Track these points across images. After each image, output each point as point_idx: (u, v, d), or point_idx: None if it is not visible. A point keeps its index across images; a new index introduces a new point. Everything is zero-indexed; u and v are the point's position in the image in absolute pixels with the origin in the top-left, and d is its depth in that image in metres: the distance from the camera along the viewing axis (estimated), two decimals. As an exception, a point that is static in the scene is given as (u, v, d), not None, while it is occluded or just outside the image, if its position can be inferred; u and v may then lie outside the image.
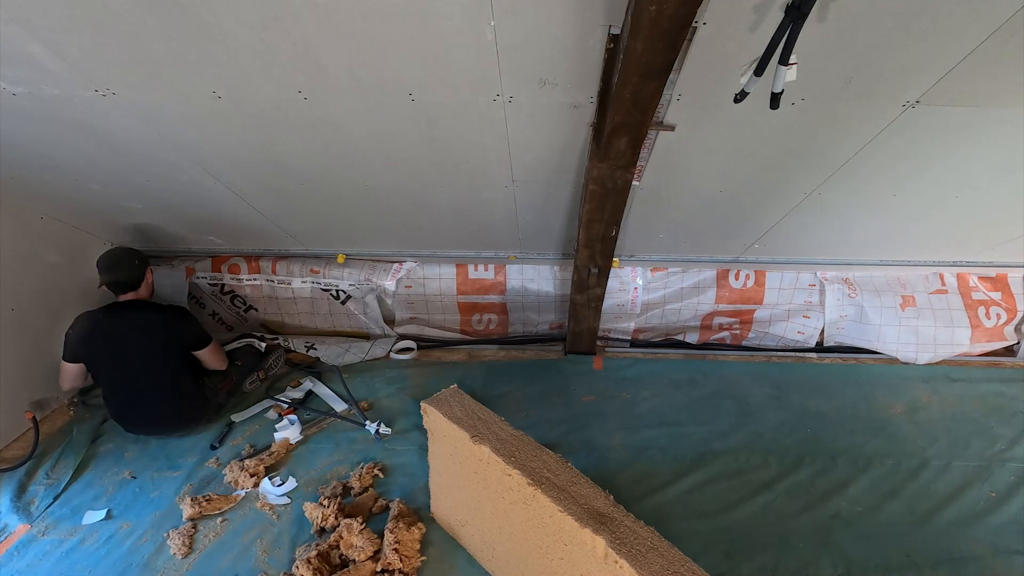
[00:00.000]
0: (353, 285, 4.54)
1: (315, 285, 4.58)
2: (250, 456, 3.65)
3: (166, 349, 3.70)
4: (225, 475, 3.52)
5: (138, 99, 2.65)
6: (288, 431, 3.82)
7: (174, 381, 3.73)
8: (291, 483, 3.45)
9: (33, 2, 2.14)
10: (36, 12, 2.18)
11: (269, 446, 3.73)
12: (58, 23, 2.23)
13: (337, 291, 4.61)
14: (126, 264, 3.70)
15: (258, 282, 4.60)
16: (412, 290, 4.61)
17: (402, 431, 3.86)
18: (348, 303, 4.66)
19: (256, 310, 4.77)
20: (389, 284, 4.50)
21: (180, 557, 3.06)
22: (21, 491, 3.45)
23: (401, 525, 3.04)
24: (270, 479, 3.45)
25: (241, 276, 4.59)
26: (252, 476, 3.48)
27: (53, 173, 3.35)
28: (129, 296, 3.72)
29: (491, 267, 4.52)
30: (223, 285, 4.66)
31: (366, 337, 4.88)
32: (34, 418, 3.78)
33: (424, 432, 2.88)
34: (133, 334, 3.63)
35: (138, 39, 2.30)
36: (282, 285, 4.58)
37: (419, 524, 3.11)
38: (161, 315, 3.72)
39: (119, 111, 2.73)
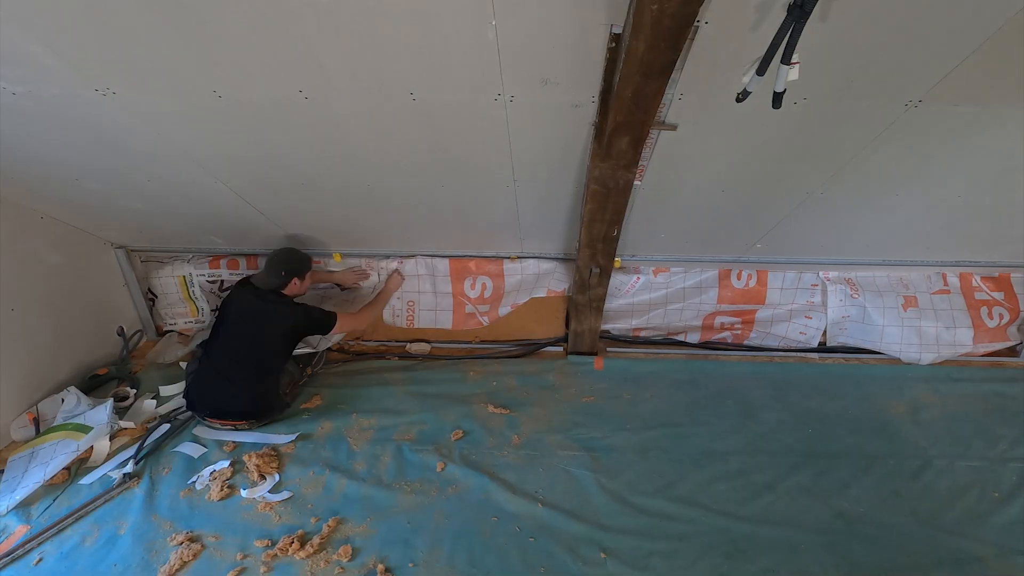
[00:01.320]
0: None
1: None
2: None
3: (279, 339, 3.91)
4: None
5: (138, 98, 2.65)
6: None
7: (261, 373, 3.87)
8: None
9: (33, 1, 2.13)
10: (36, 11, 2.17)
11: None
12: (58, 22, 2.22)
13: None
14: (273, 271, 3.94)
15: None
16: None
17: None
18: (346, 294, 4.68)
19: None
20: (392, 266, 4.53)
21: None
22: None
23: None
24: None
25: (240, 272, 4.60)
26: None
27: (53, 172, 3.34)
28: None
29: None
30: (222, 282, 4.67)
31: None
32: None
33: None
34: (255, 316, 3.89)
35: (138, 38, 2.29)
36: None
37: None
38: (284, 302, 3.94)
39: (119, 110, 2.72)
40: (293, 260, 3.97)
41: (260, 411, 3.87)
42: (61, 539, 3.17)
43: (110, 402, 3.79)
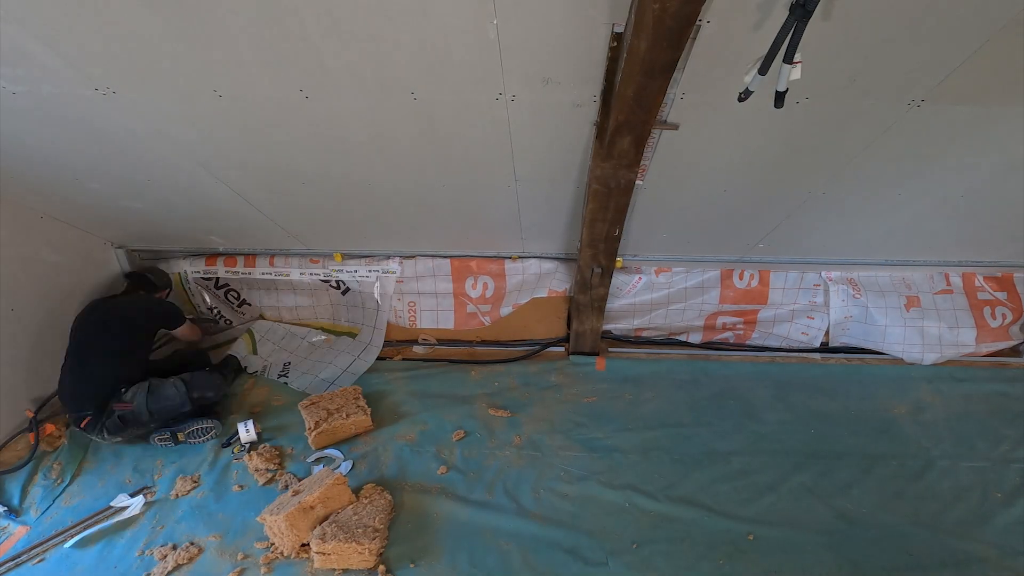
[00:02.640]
0: (352, 273, 4.56)
1: (314, 276, 4.59)
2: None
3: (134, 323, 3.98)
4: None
5: (138, 98, 2.64)
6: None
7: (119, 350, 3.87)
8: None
9: (33, 1, 2.13)
10: (36, 11, 2.17)
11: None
12: (58, 22, 2.22)
13: (338, 281, 4.62)
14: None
15: (254, 275, 4.62)
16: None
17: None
18: (348, 294, 4.68)
19: (250, 304, 4.80)
20: (394, 266, 4.52)
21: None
22: (22, 493, 3.44)
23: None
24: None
25: (237, 269, 4.61)
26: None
27: (53, 172, 3.33)
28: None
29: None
30: (217, 279, 4.68)
31: (352, 335, 4.86)
32: (34, 417, 3.77)
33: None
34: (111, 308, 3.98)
35: (138, 38, 2.29)
36: (281, 277, 4.58)
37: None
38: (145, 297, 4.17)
39: (119, 110, 2.71)
40: (158, 274, 4.33)
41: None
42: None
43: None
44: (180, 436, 3.76)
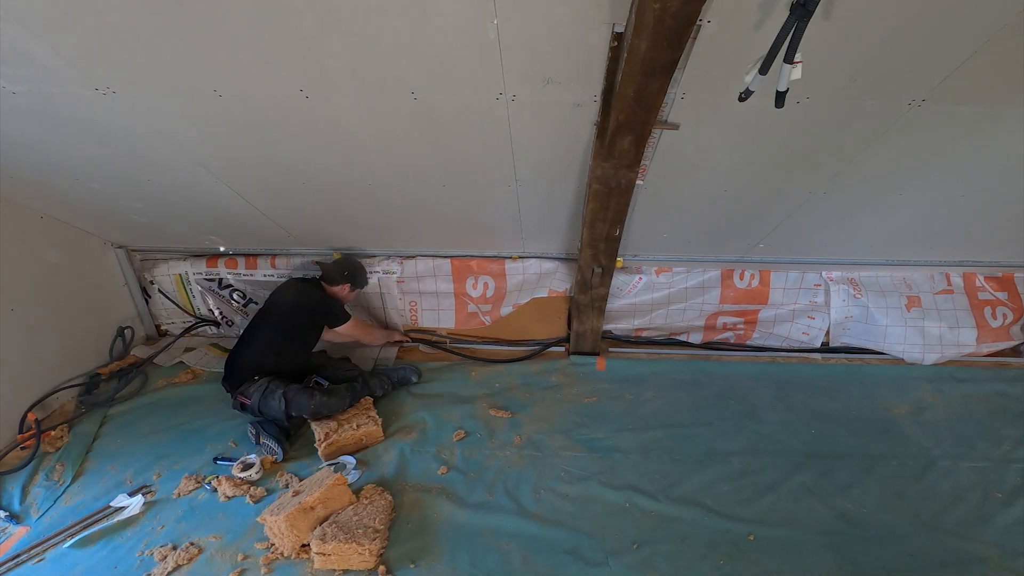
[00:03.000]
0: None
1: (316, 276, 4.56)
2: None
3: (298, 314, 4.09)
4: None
5: (138, 98, 2.64)
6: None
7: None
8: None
9: (33, 1, 2.12)
10: (36, 10, 2.17)
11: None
12: (58, 21, 2.21)
13: None
14: (338, 268, 4.27)
15: (256, 277, 4.61)
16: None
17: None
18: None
19: (256, 304, 4.78)
20: (394, 266, 4.53)
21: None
22: (22, 493, 3.44)
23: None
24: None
25: (238, 271, 4.60)
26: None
27: (53, 172, 3.34)
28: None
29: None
30: (221, 279, 4.67)
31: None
32: (36, 420, 3.78)
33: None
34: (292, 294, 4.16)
35: (138, 37, 2.28)
36: (283, 279, 4.56)
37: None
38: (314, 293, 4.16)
39: (119, 110, 2.71)
40: (358, 270, 4.33)
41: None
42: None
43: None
44: (260, 439, 3.77)
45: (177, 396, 4.26)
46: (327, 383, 3.97)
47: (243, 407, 3.82)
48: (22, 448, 3.73)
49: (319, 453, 3.61)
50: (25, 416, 3.82)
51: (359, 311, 4.75)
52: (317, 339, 4.16)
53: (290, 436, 3.86)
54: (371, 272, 4.46)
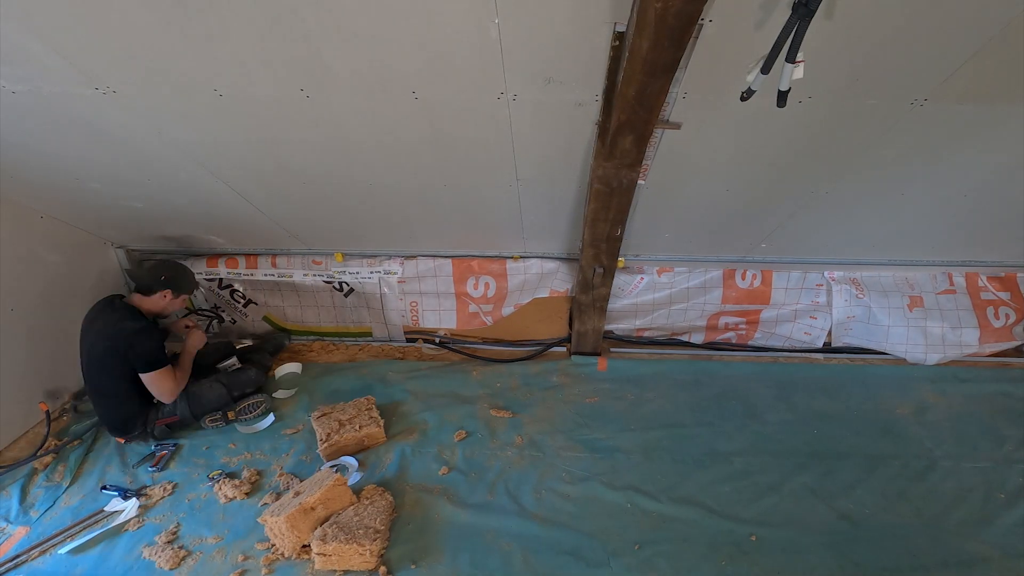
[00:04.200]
0: (354, 275, 4.55)
1: (317, 278, 4.58)
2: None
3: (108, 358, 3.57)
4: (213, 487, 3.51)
5: (138, 97, 2.63)
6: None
7: (114, 390, 3.65)
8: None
9: (33, 0, 2.12)
10: (36, 9, 2.16)
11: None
12: (58, 20, 2.21)
13: (340, 283, 4.61)
14: (154, 273, 3.74)
15: (256, 276, 4.61)
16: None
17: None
18: (351, 296, 4.67)
19: (256, 304, 4.77)
20: (395, 266, 4.51)
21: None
22: (23, 494, 3.44)
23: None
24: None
25: (239, 271, 4.59)
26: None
27: (53, 172, 3.33)
28: (133, 299, 3.72)
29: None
30: (221, 280, 4.66)
31: (369, 334, 4.89)
32: (48, 411, 3.82)
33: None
34: (94, 333, 3.63)
35: (139, 37, 2.28)
36: (284, 279, 4.58)
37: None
38: (123, 326, 3.57)
39: (119, 109, 2.70)
40: (180, 274, 3.85)
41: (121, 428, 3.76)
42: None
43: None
44: (231, 415, 3.79)
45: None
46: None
47: (169, 427, 3.77)
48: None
49: (319, 453, 3.60)
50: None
51: (349, 311, 4.74)
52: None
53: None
54: (372, 272, 4.45)
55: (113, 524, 3.23)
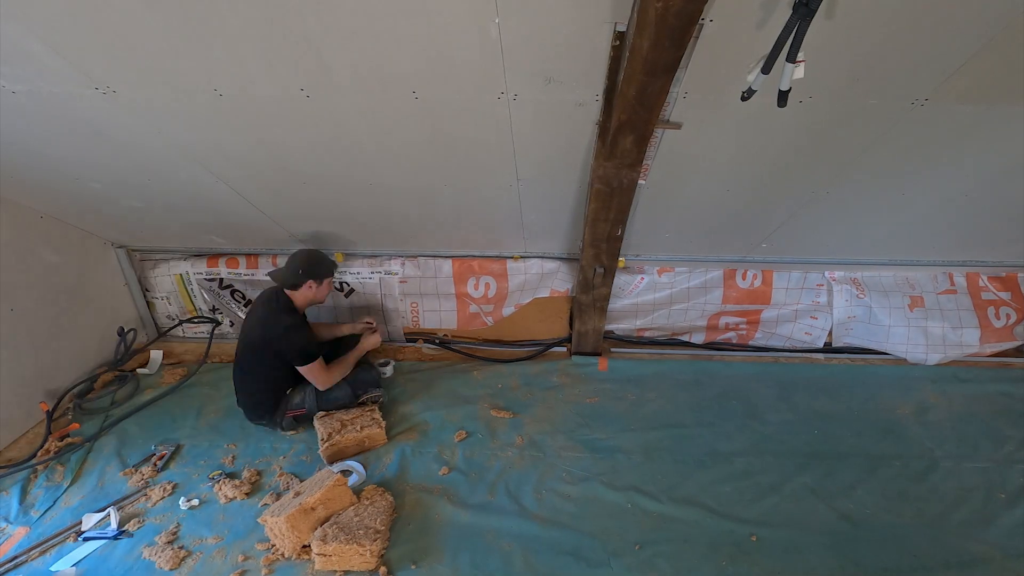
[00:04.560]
0: (355, 275, 4.55)
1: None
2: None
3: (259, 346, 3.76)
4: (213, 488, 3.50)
5: (138, 97, 2.63)
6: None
7: (254, 376, 3.84)
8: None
9: (33, 0, 2.12)
10: (36, 9, 2.16)
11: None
12: (58, 20, 2.21)
13: (341, 283, 4.61)
14: (291, 269, 3.79)
15: (257, 276, 4.60)
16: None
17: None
18: (351, 296, 4.67)
19: None
20: (396, 267, 4.50)
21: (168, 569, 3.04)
22: (23, 493, 3.43)
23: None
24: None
25: (239, 271, 4.59)
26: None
27: (53, 172, 3.33)
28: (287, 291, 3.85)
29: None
30: (221, 279, 4.66)
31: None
32: (49, 411, 3.83)
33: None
34: (254, 319, 3.83)
35: (139, 36, 2.28)
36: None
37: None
38: (279, 320, 3.73)
39: (119, 109, 2.70)
40: (312, 261, 3.82)
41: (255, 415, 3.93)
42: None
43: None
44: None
45: (177, 397, 4.25)
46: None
47: (296, 419, 3.90)
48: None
49: (320, 453, 3.60)
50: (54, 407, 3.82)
51: (349, 312, 4.74)
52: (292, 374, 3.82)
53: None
54: (372, 272, 4.45)
55: (111, 526, 3.23)
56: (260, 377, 3.81)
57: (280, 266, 3.91)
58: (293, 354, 3.69)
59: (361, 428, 3.70)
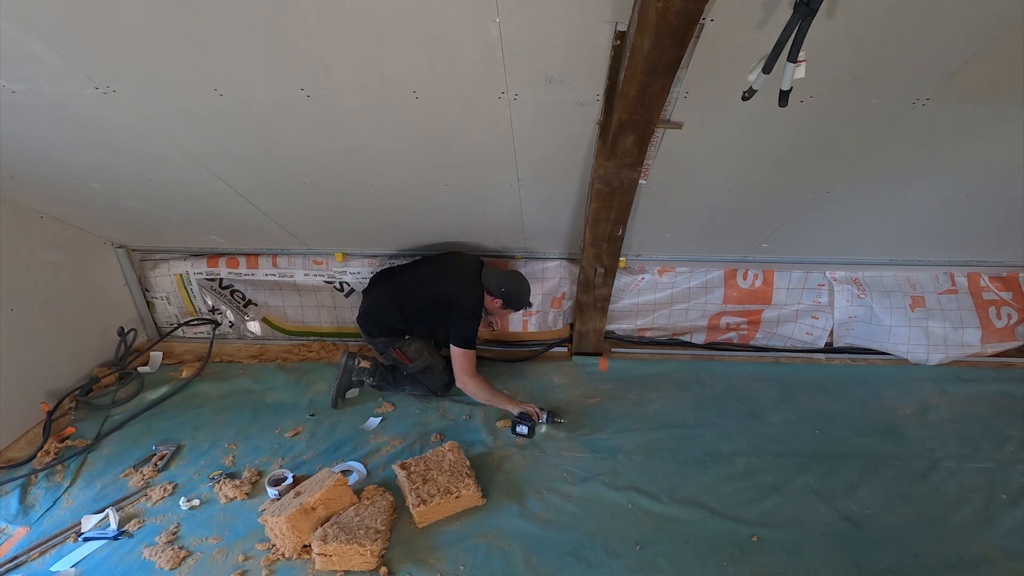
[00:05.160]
0: (355, 275, 4.55)
1: (318, 278, 4.58)
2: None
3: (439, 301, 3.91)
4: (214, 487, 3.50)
5: (139, 97, 2.63)
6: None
7: (402, 305, 3.98)
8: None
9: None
10: (36, 9, 2.16)
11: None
12: (58, 20, 2.21)
13: (341, 283, 4.61)
14: (497, 277, 4.02)
15: (257, 276, 4.60)
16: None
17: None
18: (351, 296, 4.67)
19: (256, 304, 4.77)
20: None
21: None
22: (23, 493, 3.43)
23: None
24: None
25: (239, 270, 4.59)
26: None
27: (53, 172, 3.33)
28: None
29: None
30: (221, 279, 4.66)
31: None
32: (49, 412, 3.83)
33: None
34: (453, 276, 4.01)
35: (139, 36, 2.28)
36: (284, 279, 4.58)
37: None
38: (473, 300, 3.90)
39: (119, 109, 2.70)
40: (515, 291, 4.01)
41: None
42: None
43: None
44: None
45: (177, 397, 4.24)
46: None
47: (390, 368, 4.13)
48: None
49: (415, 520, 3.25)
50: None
51: (349, 312, 4.66)
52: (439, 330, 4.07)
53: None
54: (373, 273, 4.45)
55: (110, 527, 3.23)
56: (404, 309, 3.95)
57: (495, 268, 4.15)
58: (458, 333, 3.83)
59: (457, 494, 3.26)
